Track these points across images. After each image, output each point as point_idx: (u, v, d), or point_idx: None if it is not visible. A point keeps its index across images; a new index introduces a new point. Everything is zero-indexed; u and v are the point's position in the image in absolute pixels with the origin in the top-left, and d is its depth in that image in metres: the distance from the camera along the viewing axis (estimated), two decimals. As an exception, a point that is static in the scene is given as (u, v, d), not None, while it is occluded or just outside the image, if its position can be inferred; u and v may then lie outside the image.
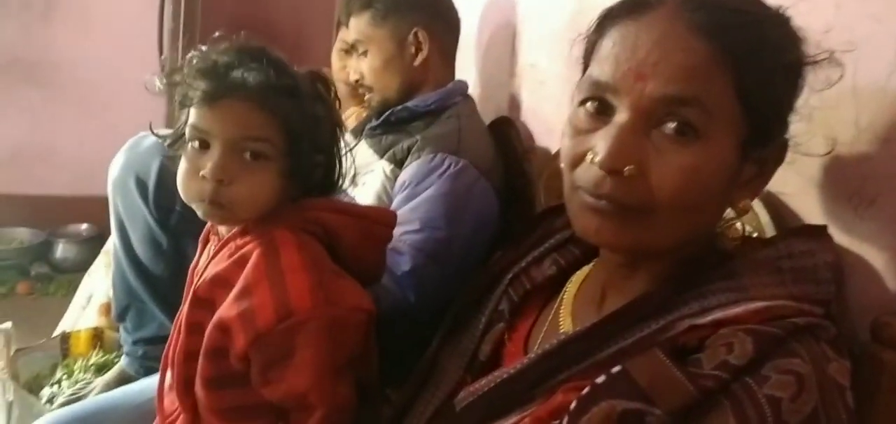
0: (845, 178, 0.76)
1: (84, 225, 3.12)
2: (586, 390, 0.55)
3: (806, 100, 0.63)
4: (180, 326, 0.89)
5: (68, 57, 3.01)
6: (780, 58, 0.58)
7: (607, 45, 0.61)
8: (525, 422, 0.61)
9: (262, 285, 0.81)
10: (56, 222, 3.08)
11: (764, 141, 0.60)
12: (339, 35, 1.96)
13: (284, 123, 0.84)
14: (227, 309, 0.83)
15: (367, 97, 1.48)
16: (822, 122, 0.65)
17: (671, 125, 0.57)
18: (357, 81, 1.47)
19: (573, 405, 0.55)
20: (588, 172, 0.60)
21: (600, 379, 0.56)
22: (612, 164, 0.57)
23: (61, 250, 3.02)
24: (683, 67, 0.56)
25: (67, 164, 3.11)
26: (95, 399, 1.16)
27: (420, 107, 1.38)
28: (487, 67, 1.81)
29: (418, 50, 1.40)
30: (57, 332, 1.79)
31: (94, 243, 2.74)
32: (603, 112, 0.61)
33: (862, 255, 0.74)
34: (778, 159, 0.63)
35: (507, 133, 1.44)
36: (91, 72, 2.99)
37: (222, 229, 0.92)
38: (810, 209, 0.81)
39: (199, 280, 0.89)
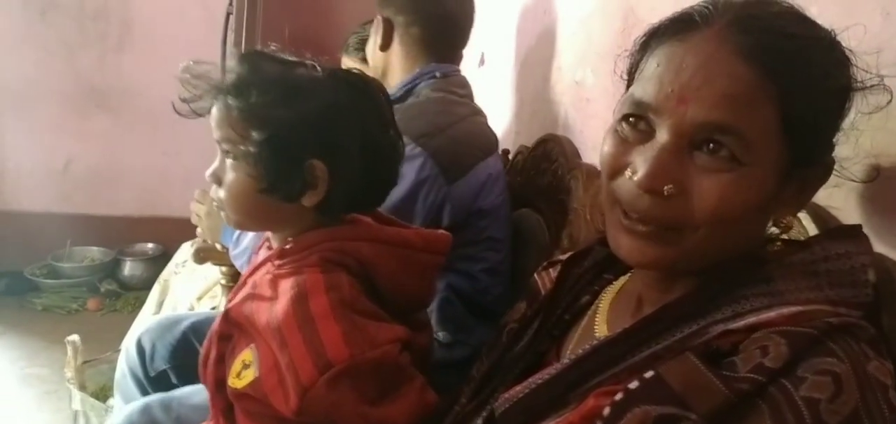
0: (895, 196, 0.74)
1: (150, 245, 3.26)
2: (619, 395, 0.55)
3: (853, 122, 0.62)
4: (212, 336, 0.91)
5: (137, 84, 3.16)
6: (827, 83, 0.58)
7: (652, 64, 0.61)
8: None
9: (295, 338, 0.79)
10: (124, 241, 3.24)
11: (806, 163, 0.59)
12: None
13: (249, 121, 0.81)
14: (266, 366, 0.81)
15: None
16: (870, 140, 0.64)
17: (712, 149, 0.57)
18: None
19: (606, 411, 0.54)
20: (626, 186, 0.60)
21: (634, 385, 0.55)
22: (651, 185, 0.58)
23: (129, 268, 3.17)
24: (726, 94, 0.56)
25: (135, 186, 3.27)
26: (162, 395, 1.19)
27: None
28: (534, 84, 1.82)
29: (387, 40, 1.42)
30: (123, 346, 1.88)
31: (159, 261, 2.85)
32: (644, 129, 0.61)
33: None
34: (823, 177, 0.62)
35: (552, 150, 1.44)
36: (157, 99, 3.11)
37: (274, 240, 0.93)
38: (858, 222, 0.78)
39: (233, 298, 0.91)
